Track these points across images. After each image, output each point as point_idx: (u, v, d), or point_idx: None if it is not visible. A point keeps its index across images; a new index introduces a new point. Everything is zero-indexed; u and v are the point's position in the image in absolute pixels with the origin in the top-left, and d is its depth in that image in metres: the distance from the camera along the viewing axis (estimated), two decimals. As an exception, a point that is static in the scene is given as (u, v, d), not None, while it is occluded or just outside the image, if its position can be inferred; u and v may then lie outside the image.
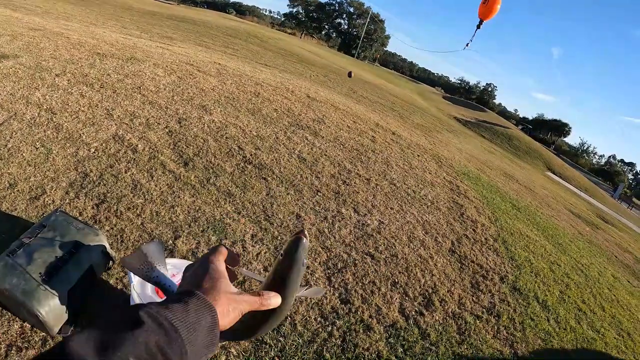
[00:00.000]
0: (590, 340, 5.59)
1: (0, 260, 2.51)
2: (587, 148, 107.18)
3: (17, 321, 2.57)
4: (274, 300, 0.83)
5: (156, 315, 0.61)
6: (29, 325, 2.54)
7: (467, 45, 6.26)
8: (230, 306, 0.73)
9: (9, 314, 2.58)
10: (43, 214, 3.48)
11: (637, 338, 6.45)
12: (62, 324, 2.56)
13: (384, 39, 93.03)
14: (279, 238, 4.45)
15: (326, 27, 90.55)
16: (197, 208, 4.37)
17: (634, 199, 55.37)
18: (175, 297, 0.69)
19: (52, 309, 2.43)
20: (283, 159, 6.43)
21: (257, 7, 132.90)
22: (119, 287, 3.05)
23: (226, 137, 6.34)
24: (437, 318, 4.33)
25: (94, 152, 4.65)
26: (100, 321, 0.61)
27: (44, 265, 2.54)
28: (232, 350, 2.92)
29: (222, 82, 9.28)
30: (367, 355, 3.44)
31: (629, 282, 9.79)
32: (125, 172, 4.49)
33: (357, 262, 4.65)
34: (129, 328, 0.58)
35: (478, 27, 6.07)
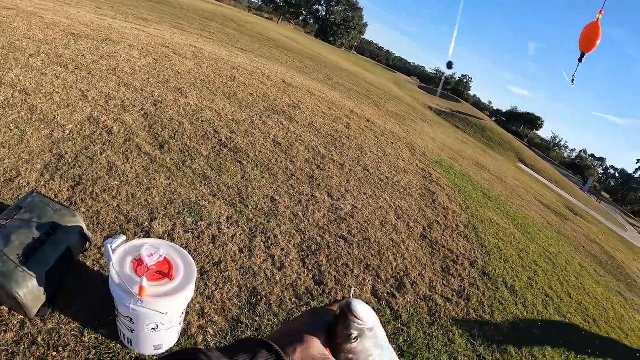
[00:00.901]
0: (557, 325, 5.80)
1: (-23, 243, 2.50)
2: (559, 142, 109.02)
3: (-7, 304, 2.58)
4: None
5: None
6: (6, 309, 2.55)
7: (572, 81, 6.24)
8: None
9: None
10: (18, 196, 3.46)
11: (603, 325, 6.69)
12: (41, 305, 2.56)
13: (362, 26, 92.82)
14: (254, 220, 4.51)
15: (304, 12, 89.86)
16: (173, 190, 4.39)
17: (603, 193, 56.68)
18: (245, 348, 0.66)
19: (30, 290, 2.42)
20: (258, 143, 6.47)
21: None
22: (96, 268, 3.06)
23: (202, 121, 6.35)
24: (408, 300, 4.45)
25: (69, 134, 4.61)
26: None
27: (21, 247, 2.52)
28: (209, 329, 2.98)
29: (198, 65, 9.23)
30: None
31: (595, 271, 10.09)
32: (101, 154, 4.48)
33: (330, 245, 4.73)
34: None
35: (580, 60, 6.10)
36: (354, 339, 0.82)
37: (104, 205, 3.75)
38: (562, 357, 5.07)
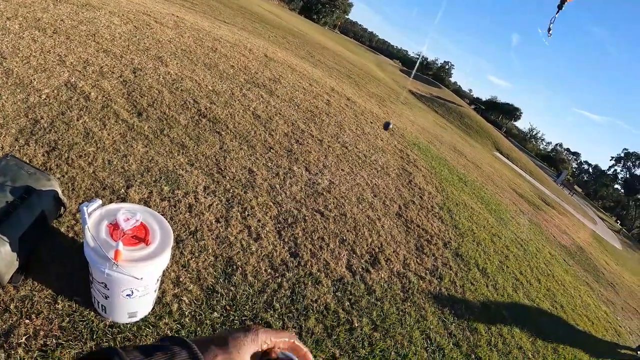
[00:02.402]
0: (526, 308, 5.95)
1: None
2: (536, 134, 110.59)
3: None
4: None
5: None
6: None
7: (549, 31, 5.64)
8: None
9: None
10: (-9, 158, 3.40)
11: (570, 311, 6.89)
12: (14, 272, 2.52)
13: (346, 6, 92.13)
14: (231, 191, 4.50)
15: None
16: (150, 158, 4.35)
17: (576, 187, 57.76)
18: (165, 345, 0.61)
19: (3, 256, 2.35)
20: (237, 115, 6.43)
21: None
22: (70, 235, 3.03)
23: (181, 90, 6.27)
24: (382, 276, 4.52)
25: (45, 99, 4.51)
26: None
27: (-6, 211, 2.45)
28: (184, 298, 2.98)
29: (180, 34, 9.09)
30: (315, 307, 3.57)
31: (564, 260, 10.35)
32: (77, 120, 4.40)
33: (307, 218, 4.76)
34: None
35: (560, 7, 5.38)
36: None
37: (79, 171, 3.70)
38: (530, 340, 5.21)
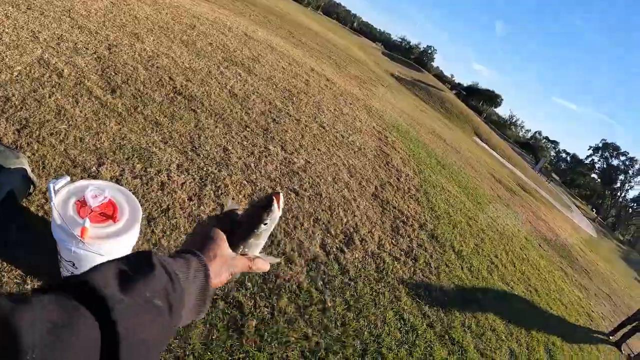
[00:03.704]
0: (500, 291, 6.04)
1: None
2: (516, 121, 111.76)
3: None
4: (263, 266, 0.92)
5: (165, 265, 0.68)
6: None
7: None
8: (223, 268, 0.82)
9: None
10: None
11: (544, 295, 7.03)
12: None
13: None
14: (205, 169, 4.48)
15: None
16: (123, 136, 4.30)
17: (553, 174, 58.52)
18: (179, 255, 0.77)
19: None
20: (214, 93, 6.37)
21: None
22: (40, 214, 2.99)
23: (157, 67, 6.19)
24: (357, 256, 4.55)
25: (17, 76, 4.41)
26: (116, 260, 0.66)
27: (-38, 188, 2.40)
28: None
29: (158, 11, 8.95)
30: (288, 286, 3.59)
31: (540, 245, 10.53)
32: (49, 97, 4.31)
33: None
34: (145, 269, 0.64)
35: None
36: (262, 228, 0.91)
37: (50, 149, 3.64)
38: (504, 322, 5.30)
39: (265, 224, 0.91)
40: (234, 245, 0.88)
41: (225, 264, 0.83)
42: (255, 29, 13.29)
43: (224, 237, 0.87)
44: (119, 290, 0.58)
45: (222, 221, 0.92)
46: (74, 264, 2.30)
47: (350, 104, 10.51)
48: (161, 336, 0.63)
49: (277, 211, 0.92)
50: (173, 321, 0.65)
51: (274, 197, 0.92)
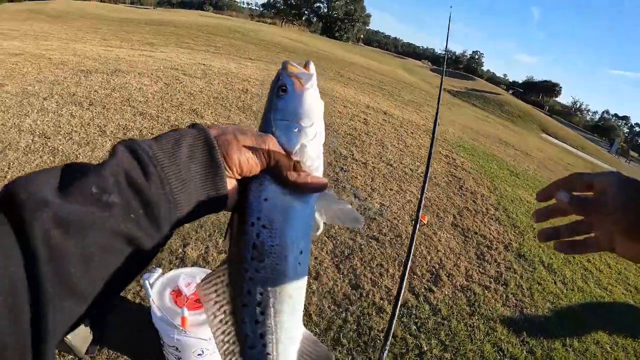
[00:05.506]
0: (599, 298, 5.69)
1: None
2: (580, 106, 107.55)
3: None
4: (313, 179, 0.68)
5: (133, 147, 0.55)
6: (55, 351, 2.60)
7: None
8: (239, 145, 0.63)
9: None
10: None
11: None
12: (88, 344, 2.62)
13: (365, 17, 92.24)
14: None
15: (306, 12, 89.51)
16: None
17: (632, 152, 55.48)
18: (171, 131, 0.61)
19: (76, 332, 2.42)
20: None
21: (234, 1, 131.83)
22: (136, 301, 3.11)
23: (220, 139, 6.36)
24: (446, 293, 4.43)
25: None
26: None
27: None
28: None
29: (209, 83, 9.29)
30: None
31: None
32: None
33: (362, 247, 4.73)
34: (99, 164, 0.52)
35: None
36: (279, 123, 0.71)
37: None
38: (606, 332, 4.91)
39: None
40: None
41: (241, 141, 0.63)
42: (303, 78, 13.51)
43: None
44: (52, 190, 0.47)
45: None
46: (177, 348, 2.40)
47: (412, 132, 10.42)
48: (116, 243, 0.49)
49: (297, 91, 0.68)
50: (149, 221, 0.52)
51: (283, 72, 0.69)
